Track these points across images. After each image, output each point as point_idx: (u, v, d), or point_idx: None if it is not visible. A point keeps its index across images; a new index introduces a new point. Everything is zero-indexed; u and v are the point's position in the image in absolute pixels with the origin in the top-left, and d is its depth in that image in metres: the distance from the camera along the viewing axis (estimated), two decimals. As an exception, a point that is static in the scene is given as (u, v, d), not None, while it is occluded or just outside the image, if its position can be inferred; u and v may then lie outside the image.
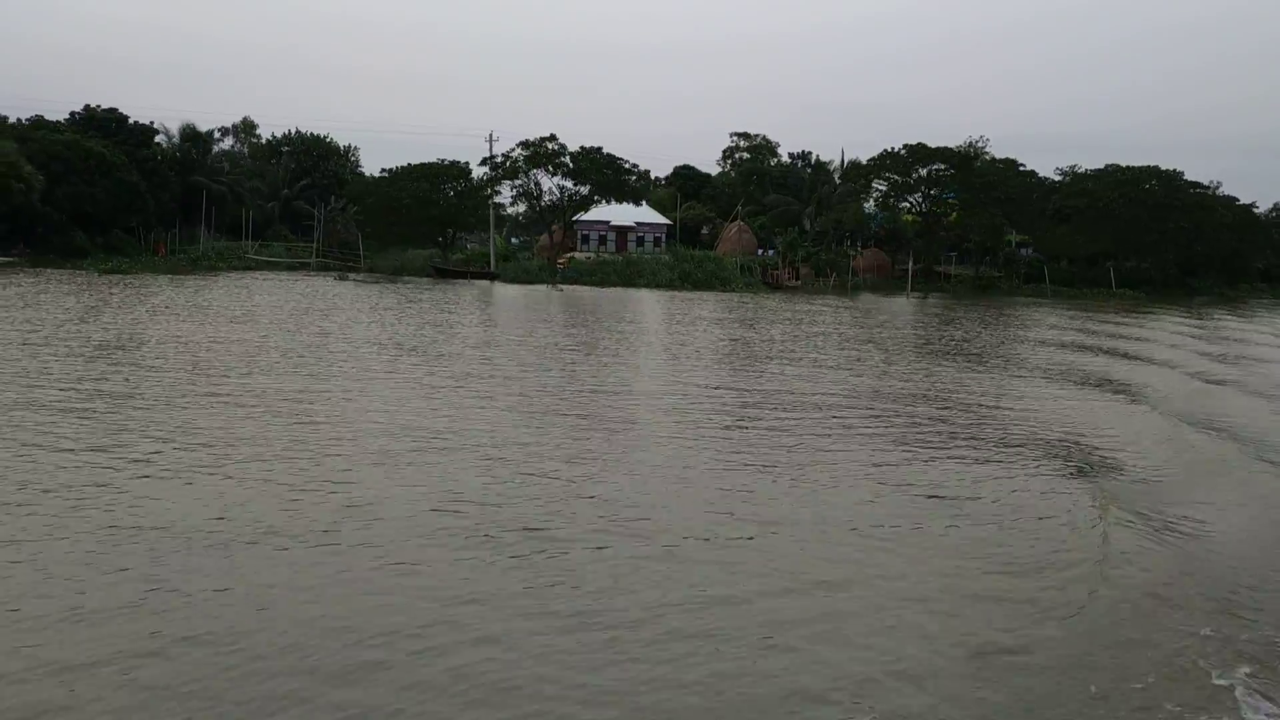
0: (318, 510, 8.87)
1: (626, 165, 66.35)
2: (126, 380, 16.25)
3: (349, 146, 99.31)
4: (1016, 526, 9.27)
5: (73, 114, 77.50)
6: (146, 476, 9.86)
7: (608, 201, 67.75)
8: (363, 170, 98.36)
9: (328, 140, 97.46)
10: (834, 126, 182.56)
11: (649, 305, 45.73)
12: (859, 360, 24.25)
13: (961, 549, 8.48)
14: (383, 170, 74.16)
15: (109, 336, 22.84)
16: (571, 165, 64.59)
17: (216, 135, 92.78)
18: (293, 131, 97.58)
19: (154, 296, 37.92)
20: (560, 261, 69.36)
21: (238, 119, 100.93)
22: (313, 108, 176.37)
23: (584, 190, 65.56)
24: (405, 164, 72.10)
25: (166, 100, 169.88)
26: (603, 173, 64.73)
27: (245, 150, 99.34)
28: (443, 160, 71.87)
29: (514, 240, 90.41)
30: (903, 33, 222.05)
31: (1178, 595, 7.54)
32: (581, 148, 65.20)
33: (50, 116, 76.40)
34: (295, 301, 38.72)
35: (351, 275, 64.41)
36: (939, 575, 7.75)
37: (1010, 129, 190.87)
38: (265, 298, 40.37)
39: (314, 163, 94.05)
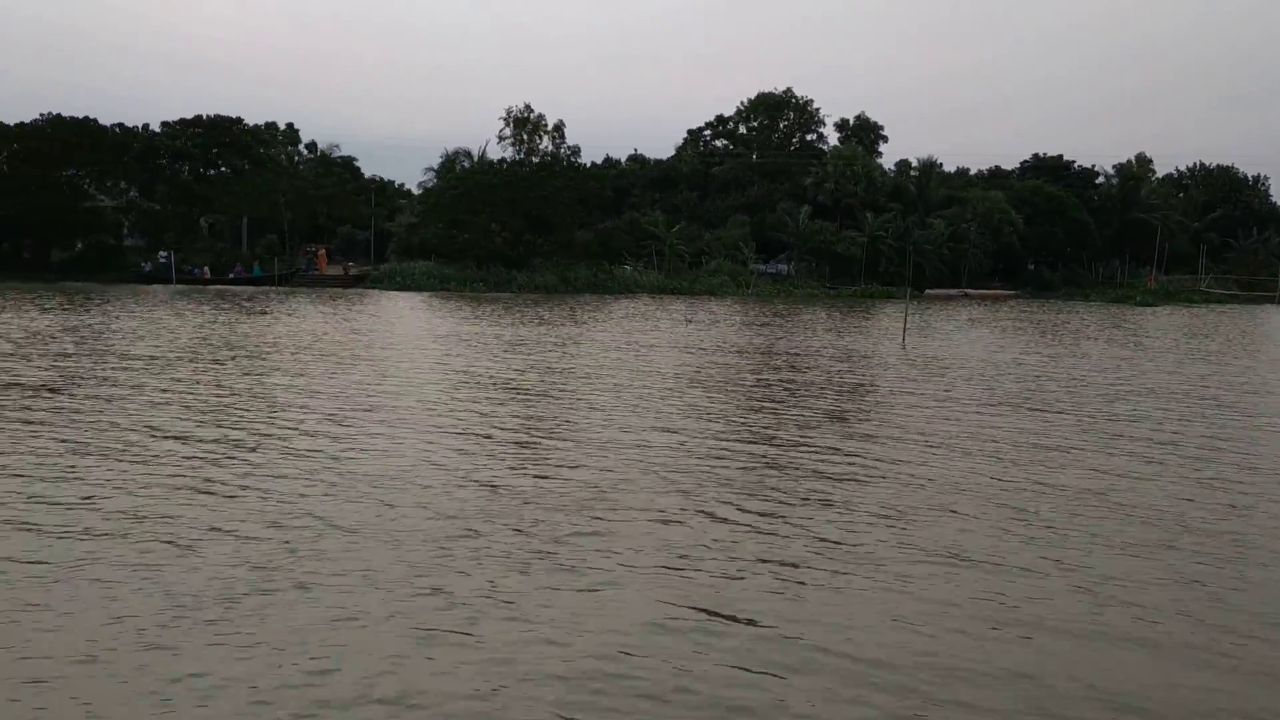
0: None
1: None
2: None
3: (1257, 176, 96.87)
4: None
5: (1023, 163, 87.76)
6: None
7: None
8: (1275, 201, 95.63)
9: (1233, 171, 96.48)
10: None
11: None
12: None
13: None
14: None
15: None
16: None
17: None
18: (1196, 165, 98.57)
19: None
20: None
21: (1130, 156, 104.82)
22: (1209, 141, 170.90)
23: None
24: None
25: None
26: None
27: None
28: None
29: None
30: None
31: None
32: None
33: (1005, 166, 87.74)
34: None
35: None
36: None
37: None
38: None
39: (1223, 194, 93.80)
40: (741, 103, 79.18)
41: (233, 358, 21.78)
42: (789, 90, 78.33)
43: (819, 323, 40.02)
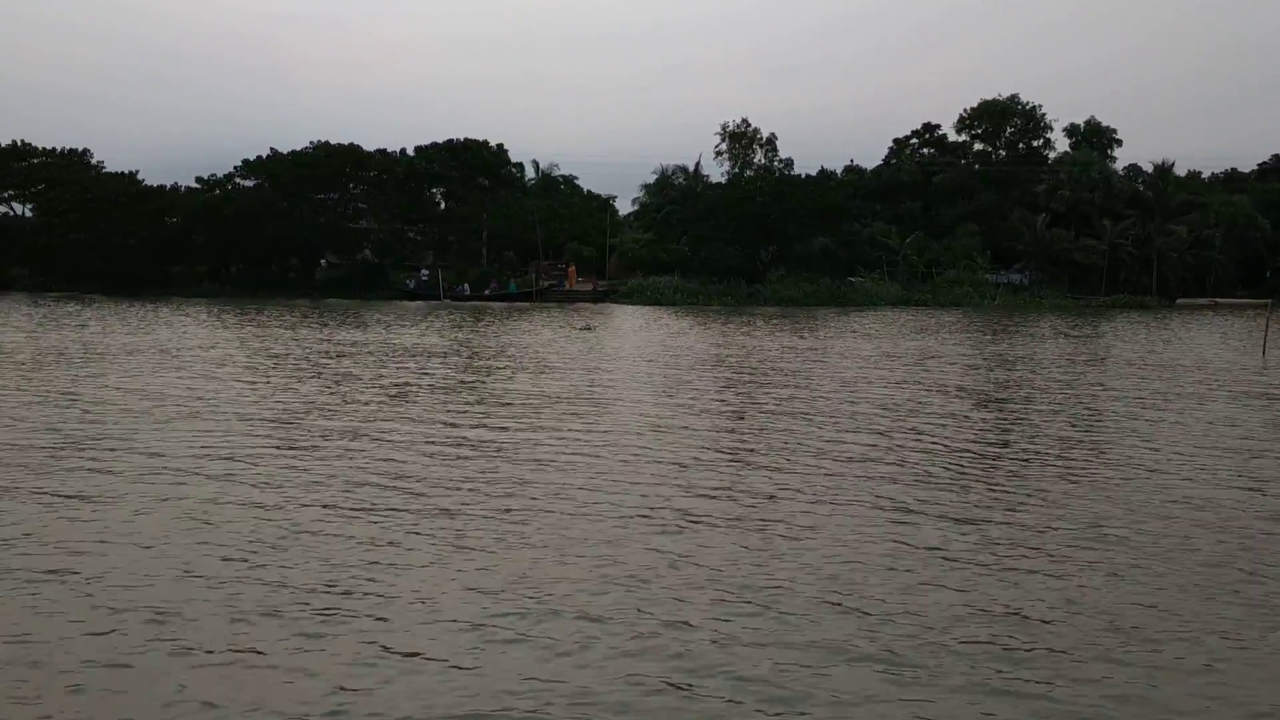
0: None
1: None
2: None
3: None
4: None
5: (1260, 164, 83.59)
6: None
7: None
8: None
9: None
10: None
11: None
12: None
13: None
14: None
15: None
16: None
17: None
18: None
19: None
20: None
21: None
22: None
23: None
24: None
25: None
26: None
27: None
28: None
29: None
30: None
31: None
32: None
33: (1241, 168, 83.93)
34: None
35: None
36: None
37: None
38: None
39: None
40: (964, 110, 77.99)
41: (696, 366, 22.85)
42: (1014, 97, 76.75)
43: (1123, 334, 39.10)
